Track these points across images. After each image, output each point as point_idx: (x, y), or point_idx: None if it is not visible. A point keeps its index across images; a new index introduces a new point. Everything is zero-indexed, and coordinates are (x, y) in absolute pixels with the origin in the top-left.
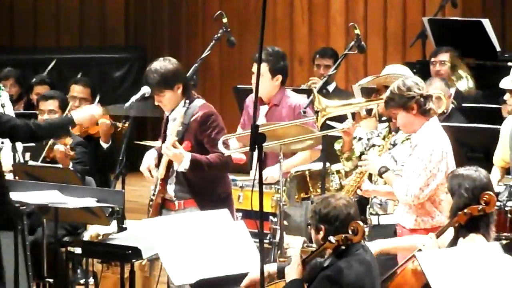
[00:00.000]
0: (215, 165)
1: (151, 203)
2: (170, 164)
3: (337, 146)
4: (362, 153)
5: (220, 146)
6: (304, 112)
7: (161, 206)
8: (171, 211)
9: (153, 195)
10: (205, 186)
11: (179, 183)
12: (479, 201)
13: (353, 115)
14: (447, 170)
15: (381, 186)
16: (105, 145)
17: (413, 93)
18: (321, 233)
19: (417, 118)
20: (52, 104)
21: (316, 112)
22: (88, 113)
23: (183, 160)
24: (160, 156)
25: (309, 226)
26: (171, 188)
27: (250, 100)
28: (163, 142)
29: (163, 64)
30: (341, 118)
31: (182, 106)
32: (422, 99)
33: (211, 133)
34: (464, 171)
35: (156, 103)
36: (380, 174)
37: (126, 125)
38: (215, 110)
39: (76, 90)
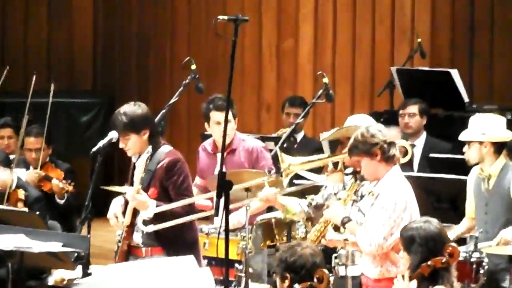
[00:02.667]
0: (179, 214)
1: (117, 249)
2: (136, 211)
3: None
4: (321, 205)
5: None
6: (270, 172)
7: (128, 253)
8: (138, 258)
9: (119, 241)
10: (172, 233)
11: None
12: (436, 253)
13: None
14: (411, 220)
15: (345, 236)
16: (60, 201)
17: (377, 139)
18: (287, 282)
19: (380, 165)
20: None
21: (281, 172)
22: None
23: (148, 208)
24: (127, 203)
25: (274, 274)
26: (138, 235)
27: (202, 148)
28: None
29: (132, 108)
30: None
31: (146, 153)
32: (385, 146)
33: (177, 180)
34: (414, 225)
35: (120, 146)
36: (343, 224)
37: (71, 187)
38: (182, 157)
39: (30, 142)
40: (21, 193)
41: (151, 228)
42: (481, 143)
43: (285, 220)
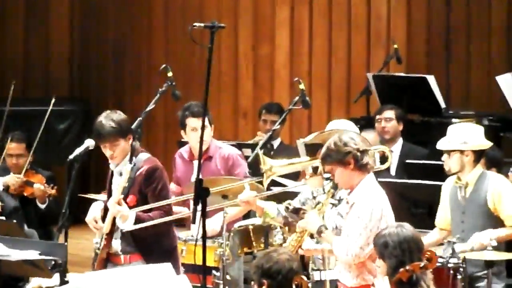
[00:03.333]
0: (157, 218)
1: (95, 256)
2: (115, 219)
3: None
4: (298, 209)
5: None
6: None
7: (106, 261)
8: (117, 265)
9: (98, 248)
10: (151, 240)
11: (125, 237)
12: (412, 255)
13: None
14: (386, 227)
15: (322, 245)
16: (42, 206)
17: (349, 148)
18: None
19: (354, 173)
20: None
21: (262, 174)
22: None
23: (127, 219)
24: (106, 209)
25: (252, 282)
26: (117, 243)
27: (179, 155)
28: (109, 196)
29: (115, 115)
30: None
31: (129, 162)
32: (358, 154)
33: (156, 187)
34: (386, 231)
35: (108, 154)
36: (319, 233)
37: (54, 191)
38: (160, 164)
39: (11, 147)
40: None
41: (130, 227)
42: (462, 152)
43: (263, 224)
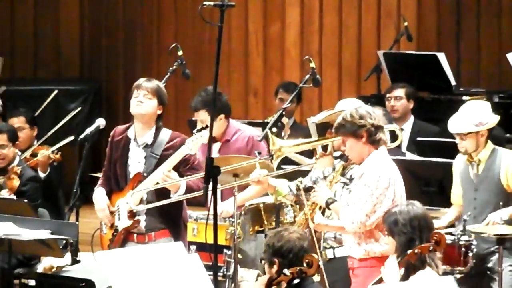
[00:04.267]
0: (195, 190)
1: (102, 234)
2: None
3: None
4: (310, 188)
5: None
6: (259, 153)
7: (124, 240)
8: (139, 244)
9: (114, 228)
10: (175, 215)
11: (150, 214)
12: (421, 232)
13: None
14: (395, 198)
15: (332, 221)
16: (42, 175)
17: (365, 121)
18: (275, 267)
19: (365, 147)
20: (1, 139)
21: (271, 155)
22: None
23: (179, 187)
24: (107, 192)
25: (262, 261)
26: (141, 220)
27: None
28: (123, 172)
29: (161, 84)
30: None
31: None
32: (372, 129)
33: (190, 157)
34: (396, 209)
35: (138, 98)
36: (327, 205)
37: (58, 155)
38: None
39: (13, 122)
40: (17, 169)
41: (142, 206)
42: (477, 133)
43: (275, 202)
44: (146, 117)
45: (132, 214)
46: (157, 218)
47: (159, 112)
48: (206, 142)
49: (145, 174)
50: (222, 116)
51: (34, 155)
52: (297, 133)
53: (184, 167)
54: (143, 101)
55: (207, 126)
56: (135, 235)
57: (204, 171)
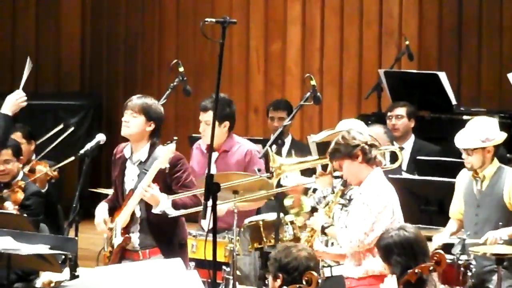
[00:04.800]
0: (190, 206)
1: (103, 252)
2: (132, 213)
3: (287, 202)
4: (314, 208)
5: (168, 206)
6: (259, 170)
7: (121, 257)
8: (134, 261)
9: (112, 247)
10: (168, 233)
11: (143, 231)
12: (417, 257)
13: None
14: (393, 217)
15: (331, 248)
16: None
17: (358, 141)
18: (278, 281)
19: (361, 166)
20: (6, 154)
21: (271, 172)
22: (10, 101)
23: (159, 201)
24: (110, 208)
25: (267, 273)
26: (135, 237)
27: (196, 146)
28: (120, 190)
29: (150, 99)
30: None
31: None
32: (367, 147)
33: (181, 175)
34: (389, 234)
35: (123, 119)
36: (323, 230)
37: (56, 173)
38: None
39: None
40: (21, 183)
41: (177, 212)
42: (483, 148)
43: (297, 215)
44: (134, 136)
45: (124, 231)
46: (149, 236)
47: (149, 128)
48: (172, 154)
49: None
50: (227, 123)
51: (32, 170)
52: (296, 151)
53: (176, 185)
54: (128, 120)
55: (174, 140)
56: (129, 252)
57: (196, 188)
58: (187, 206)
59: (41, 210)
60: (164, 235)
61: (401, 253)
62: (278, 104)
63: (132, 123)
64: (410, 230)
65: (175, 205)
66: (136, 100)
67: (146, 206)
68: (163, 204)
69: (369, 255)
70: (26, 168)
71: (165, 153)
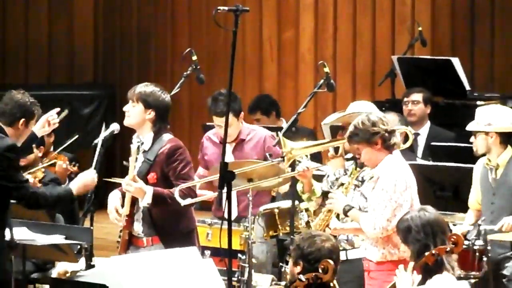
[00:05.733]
0: (171, 198)
1: (119, 240)
2: (134, 200)
3: (299, 186)
4: (327, 192)
5: (176, 195)
6: (271, 155)
7: (129, 243)
8: (139, 248)
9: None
10: (168, 222)
11: (146, 219)
12: (435, 237)
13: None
14: (413, 201)
15: (348, 224)
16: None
17: (378, 128)
18: (298, 268)
19: (380, 153)
20: None
21: (282, 157)
22: (82, 181)
23: (144, 195)
24: (124, 195)
25: (288, 257)
26: (138, 225)
27: (207, 138)
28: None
29: (153, 87)
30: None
31: (137, 140)
32: (386, 134)
33: (178, 166)
34: (408, 215)
35: (124, 108)
36: (345, 213)
37: (76, 168)
38: (183, 145)
39: None
40: (40, 173)
41: (187, 201)
42: (487, 133)
43: (309, 199)
44: (136, 126)
45: (128, 219)
46: (149, 224)
47: (149, 116)
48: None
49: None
50: (242, 114)
51: (52, 164)
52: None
53: (172, 175)
54: (128, 110)
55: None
56: (135, 239)
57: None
58: (192, 195)
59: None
60: (161, 224)
61: (420, 231)
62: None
63: (132, 113)
64: (431, 211)
65: (161, 198)
66: (135, 89)
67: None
68: (149, 196)
69: (388, 241)
70: (46, 161)
71: (134, 150)
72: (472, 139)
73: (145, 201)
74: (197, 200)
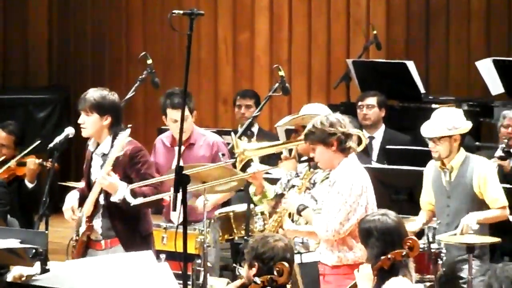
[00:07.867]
0: (148, 196)
1: (72, 243)
2: (96, 201)
3: (252, 189)
4: (281, 195)
5: (128, 195)
6: (223, 155)
7: (86, 247)
8: (97, 251)
9: (77, 235)
10: (128, 224)
11: (104, 221)
12: (394, 246)
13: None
14: (367, 205)
15: (302, 226)
16: (30, 185)
17: (335, 129)
18: (254, 270)
19: (335, 155)
20: None
21: (235, 157)
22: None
23: (117, 189)
24: (81, 197)
25: (243, 261)
26: (97, 225)
27: (158, 141)
28: (87, 181)
29: (105, 92)
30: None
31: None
32: (343, 137)
33: (141, 167)
34: (372, 217)
35: (78, 121)
36: (299, 212)
37: (55, 164)
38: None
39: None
40: None
41: (138, 200)
42: (450, 137)
43: (260, 202)
44: (94, 134)
45: (88, 220)
46: (109, 225)
47: (106, 122)
48: (124, 141)
49: None
50: (195, 113)
51: (20, 163)
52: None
53: (135, 176)
54: (84, 121)
55: (127, 127)
56: (93, 242)
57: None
58: (145, 196)
59: (7, 200)
60: (124, 225)
61: (379, 238)
62: (245, 92)
63: (88, 123)
64: (392, 218)
65: (134, 194)
66: (85, 99)
67: (106, 194)
68: (121, 192)
69: (344, 243)
70: (12, 162)
71: (120, 141)
72: (430, 144)
73: (117, 196)
74: (147, 200)
